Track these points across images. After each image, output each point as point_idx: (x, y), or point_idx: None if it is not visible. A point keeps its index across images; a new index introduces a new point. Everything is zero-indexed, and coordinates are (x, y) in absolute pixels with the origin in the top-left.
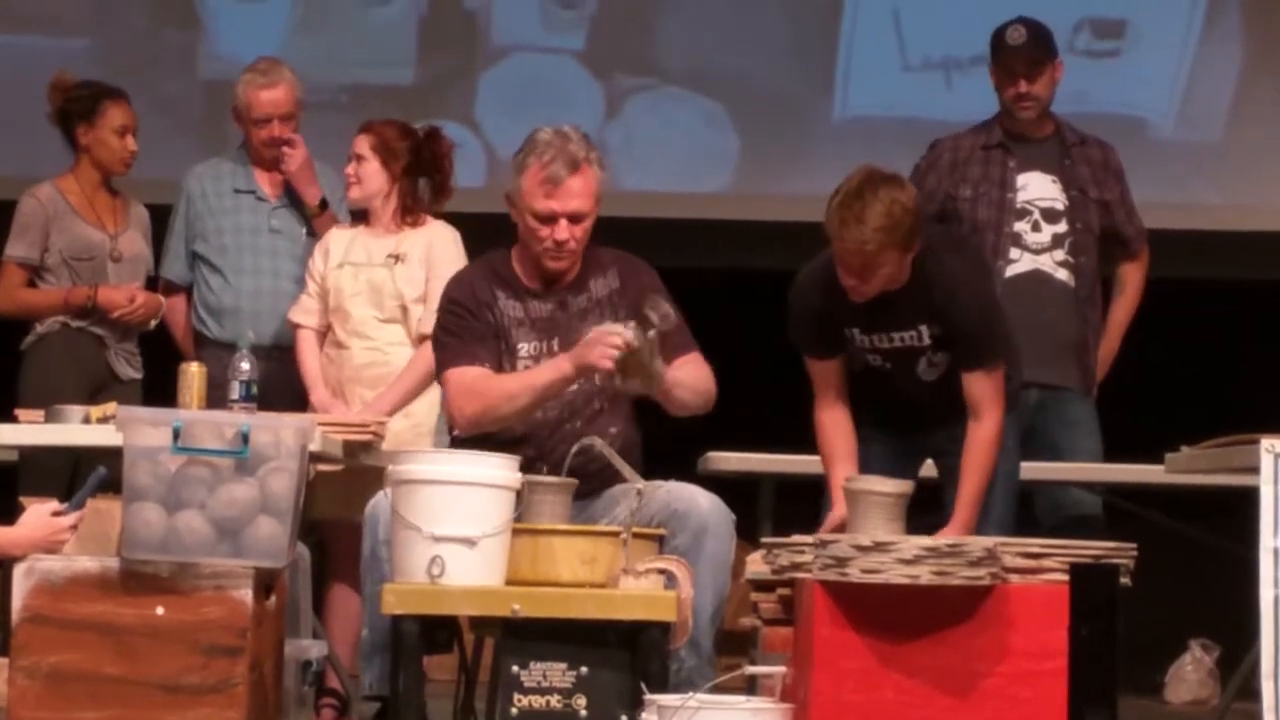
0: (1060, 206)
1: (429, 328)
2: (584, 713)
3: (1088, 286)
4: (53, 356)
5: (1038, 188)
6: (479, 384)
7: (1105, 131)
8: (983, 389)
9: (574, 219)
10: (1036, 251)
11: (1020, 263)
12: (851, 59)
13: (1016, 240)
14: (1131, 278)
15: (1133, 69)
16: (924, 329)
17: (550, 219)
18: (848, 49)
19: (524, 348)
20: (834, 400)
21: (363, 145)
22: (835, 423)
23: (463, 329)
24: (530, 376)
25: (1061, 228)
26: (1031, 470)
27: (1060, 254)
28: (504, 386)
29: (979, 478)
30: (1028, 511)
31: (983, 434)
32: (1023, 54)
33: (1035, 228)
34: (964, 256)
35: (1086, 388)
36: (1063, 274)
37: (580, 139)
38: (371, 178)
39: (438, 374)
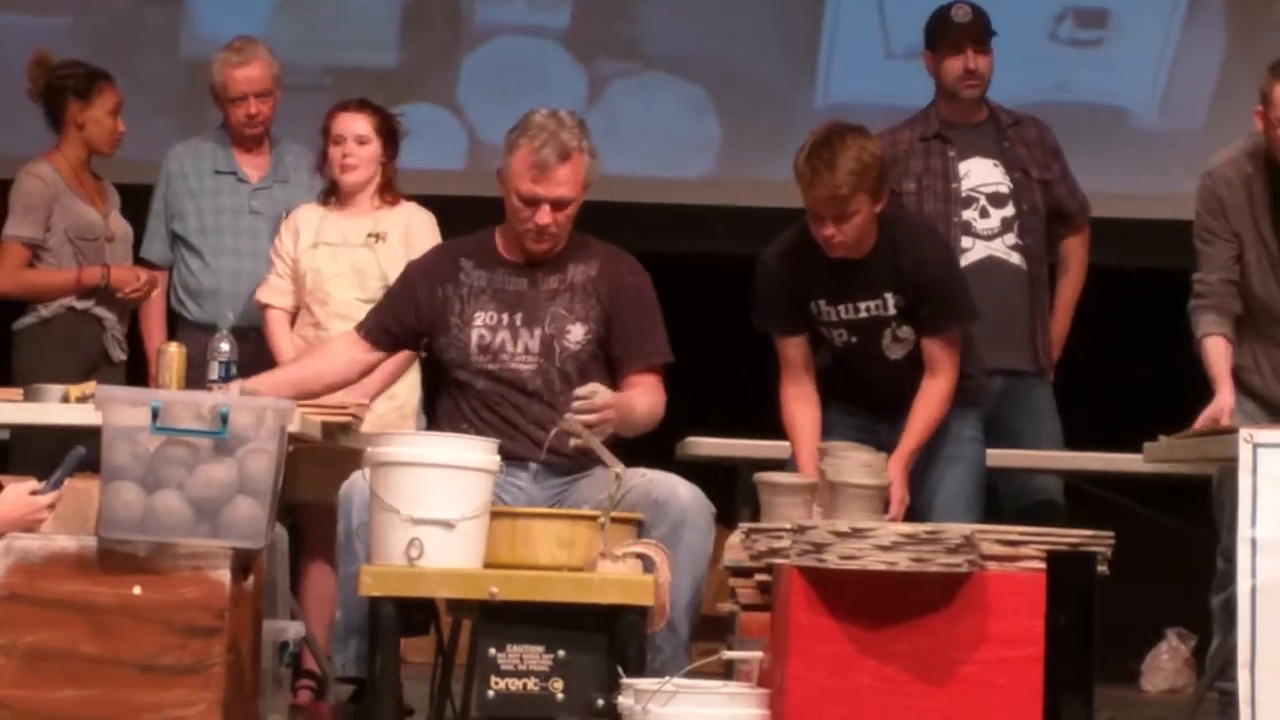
0: (1005, 190)
1: None
2: (561, 696)
3: (1038, 268)
4: (54, 340)
5: (981, 174)
6: (322, 348)
7: (1087, 120)
8: (941, 350)
9: (557, 205)
10: (988, 238)
11: (973, 250)
12: (834, 46)
13: (966, 229)
14: (1076, 254)
15: (1115, 58)
16: (889, 297)
17: (534, 202)
18: (830, 35)
19: (480, 317)
20: (801, 380)
21: (364, 126)
22: (801, 402)
23: (389, 296)
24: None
25: (1009, 211)
26: (1005, 458)
27: (1011, 238)
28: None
29: (926, 423)
30: (991, 497)
31: (938, 388)
32: (971, 30)
33: (983, 214)
34: (929, 228)
35: (1043, 370)
36: (1015, 258)
37: (574, 125)
38: (372, 160)
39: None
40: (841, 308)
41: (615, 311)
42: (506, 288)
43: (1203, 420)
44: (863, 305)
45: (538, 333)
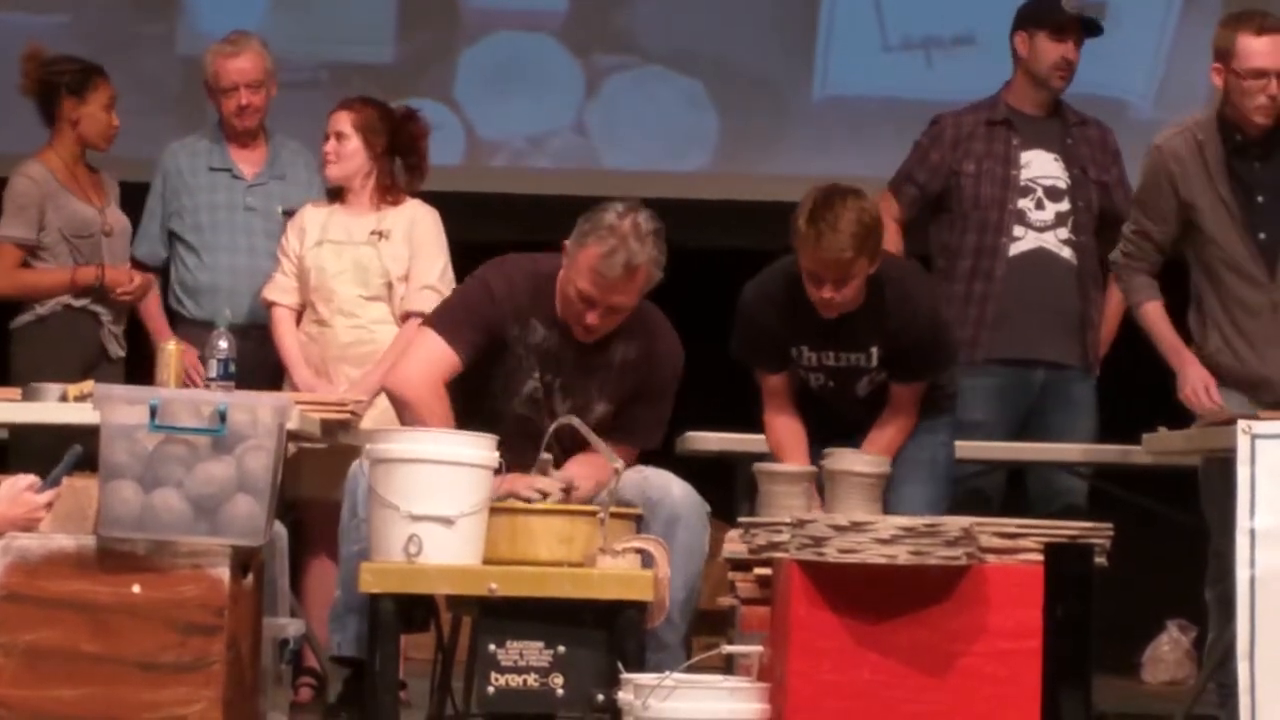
0: (1063, 185)
1: (412, 305)
2: (561, 692)
3: (1091, 264)
4: (52, 338)
5: (1040, 165)
6: (421, 372)
7: (1085, 111)
8: (910, 395)
9: (610, 311)
10: (1040, 229)
11: (1024, 240)
12: (831, 38)
13: (1020, 218)
14: None
15: (1112, 50)
16: (875, 351)
17: (589, 302)
18: (828, 28)
19: (536, 373)
20: (784, 407)
21: (344, 123)
22: (786, 427)
23: (470, 312)
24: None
25: (1064, 206)
26: (1014, 451)
27: (1064, 232)
28: (420, 410)
29: (891, 440)
30: (1020, 493)
31: (898, 429)
32: (1078, 21)
33: (1039, 205)
34: (919, 279)
35: (1088, 366)
36: (1066, 252)
37: (648, 233)
38: (352, 156)
39: (424, 322)
40: (824, 354)
41: (636, 391)
42: (560, 355)
43: (1195, 396)
44: (845, 356)
45: (571, 403)
